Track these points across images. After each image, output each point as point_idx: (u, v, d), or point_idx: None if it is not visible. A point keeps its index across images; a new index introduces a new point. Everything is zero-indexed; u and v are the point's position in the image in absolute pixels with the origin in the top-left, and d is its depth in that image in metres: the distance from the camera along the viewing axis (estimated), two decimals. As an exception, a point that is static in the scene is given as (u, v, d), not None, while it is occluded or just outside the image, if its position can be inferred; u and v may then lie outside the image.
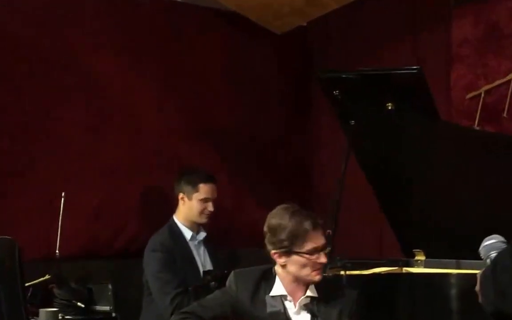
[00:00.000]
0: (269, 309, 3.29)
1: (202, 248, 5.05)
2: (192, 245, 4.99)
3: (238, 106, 6.22)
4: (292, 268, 3.29)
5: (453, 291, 4.19)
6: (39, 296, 4.67)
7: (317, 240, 3.28)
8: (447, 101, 5.62)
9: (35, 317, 3.83)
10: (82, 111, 5.44)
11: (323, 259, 3.28)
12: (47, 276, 4.75)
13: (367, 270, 4.45)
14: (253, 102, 6.29)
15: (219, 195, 5.09)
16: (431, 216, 4.58)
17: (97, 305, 4.93)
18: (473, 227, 3.94)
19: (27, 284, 4.25)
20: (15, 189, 5.12)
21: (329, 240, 3.74)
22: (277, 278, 3.34)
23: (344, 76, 4.54)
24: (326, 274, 3.72)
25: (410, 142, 4.50)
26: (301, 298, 3.31)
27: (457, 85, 5.67)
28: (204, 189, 4.98)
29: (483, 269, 3.09)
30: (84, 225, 5.37)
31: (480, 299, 3.05)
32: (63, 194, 4.98)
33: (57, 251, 4.92)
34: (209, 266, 4.97)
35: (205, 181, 5.00)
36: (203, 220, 5.01)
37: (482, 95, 5.48)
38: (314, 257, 3.26)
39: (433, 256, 4.52)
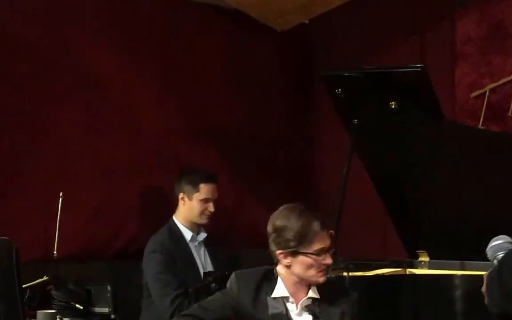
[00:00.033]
0: (270, 311, 3.27)
1: (202, 249, 5.03)
2: (192, 246, 4.97)
3: (238, 105, 6.21)
4: (297, 268, 3.27)
5: (458, 293, 4.21)
6: (37, 298, 4.66)
7: (324, 241, 3.27)
8: (451, 99, 5.64)
9: (32, 319, 3.81)
10: (81, 110, 5.44)
11: (328, 260, 3.28)
12: (45, 277, 4.73)
13: (370, 272, 4.44)
14: (254, 101, 6.30)
15: (219, 195, 5.08)
16: (435, 217, 4.60)
17: (95, 307, 4.88)
18: (478, 228, 4.06)
19: (24, 286, 4.24)
20: (13, 189, 5.10)
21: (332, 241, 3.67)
22: (279, 279, 3.32)
23: (346, 74, 4.54)
24: (329, 275, 3.64)
25: (414, 141, 4.53)
26: (303, 299, 3.30)
27: (461, 84, 5.69)
28: (205, 189, 4.96)
29: (490, 270, 3.11)
30: (82, 225, 5.36)
31: (486, 301, 3.06)
32: (61, 194, 4.98)
33: (55, 252, 4.92)
34: (209, 267, 4.96)
35: (206, 181, 4.98)
36: (204, 220, 4.99)
37: (487, 93, 5.51)
38: (320, 258, 3.25)
39: (437, 257, 4.54)
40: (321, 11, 6.17)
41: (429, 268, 4.53)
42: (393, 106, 4.40)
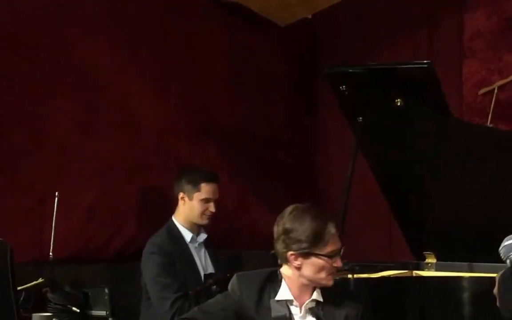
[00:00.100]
0: (273, 314, 3.23)
1: (202, 251, 4.99)
2: (192, 247, 4.93)
3: (239, 103, 6.22)
4: (307, 270, 3.24)
5: (466, 295, 4.17)
6: (32, 301, 4.65)
7: (337, 243, 3.26)
8: (458, 97, 5.64)
9: (28, 322, 3.88)
10: (80, 109, 5.43)
11: (339, 263, 3.27)
12: (40, 280, 4.71)
13: (375, 273, 4.45)
14: (255, 99, 6.31)
15: (220, 195, 5.03)
16: (442, 217, 4.60)
17: (92, 309, 4.90)
18: (486, 228, 4.14)
19: (19, 288, 4.24)
20: (8, 188, 5.07)
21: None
22: (283, 282, 3.29)
23: (351, 71, 4.54)
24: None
25: (420, 140, 4.50)
26: (306, 302, 3.27)
27: (469, 80, 5.70)
28: (205, 189, 4.91)
29: (502, 271, 3.11)
30: (79, 226, 5.32)
31: (498, 303, 3.06)
32: (56, 193, 4.96)
33: (50, 254, 4.89)
34: (210, 269, 4.91)
35: (207, 180, 4.93)
36: (204, 221, 4.95)
37: (495, 91, 5.50)
38: (332, 260, 3.24)
39: (444, 259, 4.54)
40: (325, 5, 6.22)
41: (436, 270, 4.54)
42: (399, 104, 4.37)
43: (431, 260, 4.56)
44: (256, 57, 6.31)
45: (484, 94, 5.57)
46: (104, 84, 5.52)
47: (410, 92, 4.34)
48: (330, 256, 3.20)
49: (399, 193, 4.72)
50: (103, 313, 4.86)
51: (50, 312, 4.43)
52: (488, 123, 5.42)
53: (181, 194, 4.91)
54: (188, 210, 4.90)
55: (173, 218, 4.95)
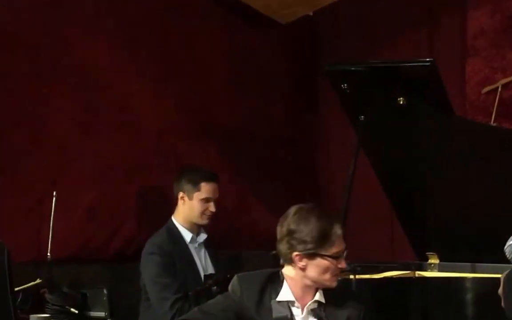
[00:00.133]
0: (275, 315, 3.21)
1: (202, 251, 4.97)
2: (192, 247, 4.91)
3: (239, 102, 6.20)
4: (312, 271, 3.22)
5: (469, 296, 4.15)
6: (30, 301, 4.64)
7: (342, 244, 3.25)
8: (461, 95, 5.64)
9: (26, 323, 3.87)
10: (80, 109, 5.42)
11: (344, 264, 3.26)
12: (38, 280, 4.70)
13: (378, 274, 4.44)
14: (255, 96, 6.30)
15: (220, 195, 5.02)
16: (445, 216, 4.59)
17: (91, 310, 4.88)
18: (489, 227, 4.13)
19: (16, 289, 4.22)
20: (7, 188, 5.06)
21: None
22: (284, 283, 3.27)
23: (353, 68, 4.53)
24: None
25: (423, 138, 4.49)
26: (308, 303, 3.25)
27: (472, 79, 5.69)
28: (206, 188, 4.89)
29: (507, 271, 3.08)
30: (77, 226, 5.31)
31: (503, 303, 3.04)
32: (54, 193, 4.94)
33: (48, 254, 4.87)
34: (210, 270, 4.89)
35: (208, 179, 4.91)
36: (204, 221, 4.93)
37: (499, 89, 5.50)
38: (337, 261, 3.23)
39: (447, 258, 4.52)
40: (326, 2, 6.19)
41: (439, 270, 4.52)
42: (401, 102, 4.36)
43: (434, 260, 4.55)
44: (256, 55, 6.30)
45: (488, 92, 5.56)
46: (104, 84, 5.51)
47: (413, 91, 4.33)
48: (335, 257, 3.20)
49: (401, 192, 4.72)
50: (101, 314, 4.84)
51: (48, 313, 4.46)
52: (492, 122, 5.41)
53: (181, 194, 4.89)
54: (188, 210, 4.88)
55: (173, 218, 4.93)
